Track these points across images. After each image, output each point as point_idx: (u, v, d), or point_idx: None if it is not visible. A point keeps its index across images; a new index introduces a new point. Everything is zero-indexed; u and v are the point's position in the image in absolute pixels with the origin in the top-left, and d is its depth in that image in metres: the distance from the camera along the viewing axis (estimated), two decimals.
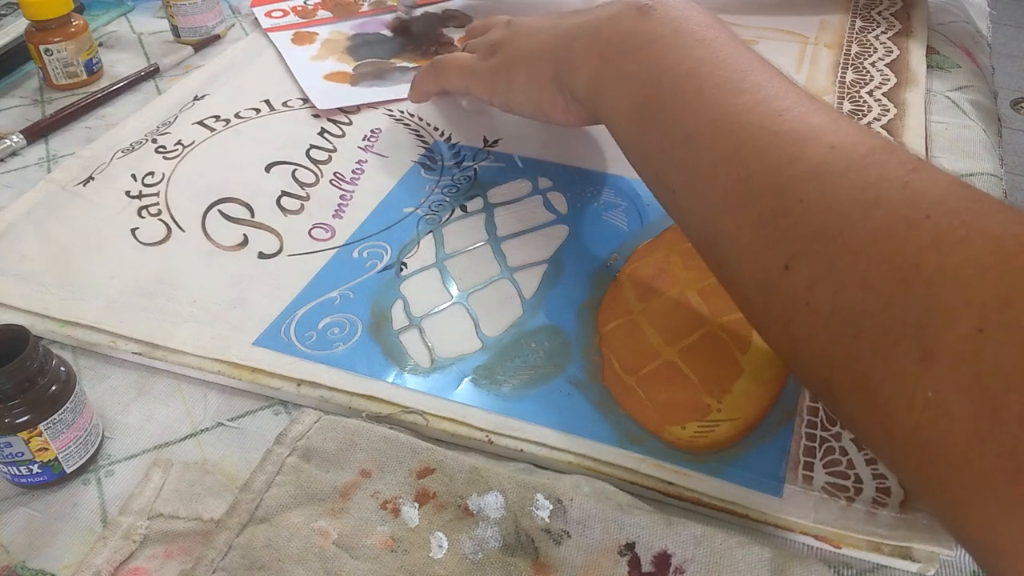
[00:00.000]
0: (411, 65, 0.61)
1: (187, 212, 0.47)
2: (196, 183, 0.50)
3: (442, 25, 0.67)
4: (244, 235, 0.46)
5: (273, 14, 0.68)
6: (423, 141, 0.53)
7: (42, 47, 0.58)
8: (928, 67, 0.59)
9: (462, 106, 0.56)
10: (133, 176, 0.50)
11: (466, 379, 0.37)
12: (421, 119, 0.55)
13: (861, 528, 0.31)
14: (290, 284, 0.42)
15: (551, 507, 0.31)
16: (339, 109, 0.56)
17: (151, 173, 0.50)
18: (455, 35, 0.65)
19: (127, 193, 0.49)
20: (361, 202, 0.48)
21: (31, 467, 0.33)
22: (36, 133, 0.55)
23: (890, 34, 0.62)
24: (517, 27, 0.47)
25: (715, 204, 0.32)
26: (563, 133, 0.52)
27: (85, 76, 0.60)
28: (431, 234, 0.45)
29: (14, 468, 0.33)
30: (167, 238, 0.46)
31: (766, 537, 0.31)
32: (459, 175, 0.50)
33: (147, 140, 0.53)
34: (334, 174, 0.50)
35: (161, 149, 0.52)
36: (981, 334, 0.22)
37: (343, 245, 0.45)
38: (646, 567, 0.30)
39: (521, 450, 0.34)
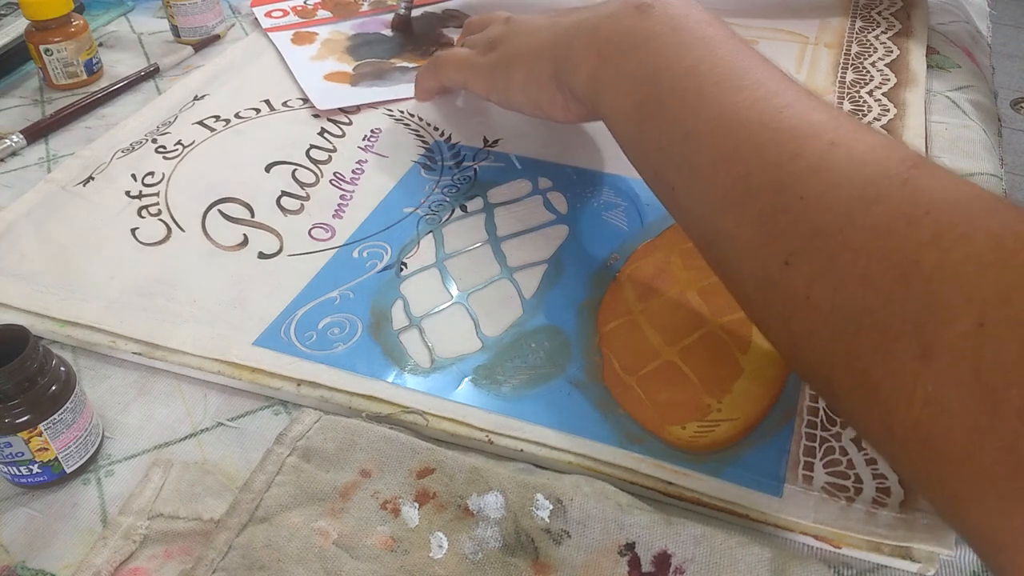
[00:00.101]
0: (411, 65, 0.61)
1: (187, 212, 0.47)
2: (196, 183, 0.50)
3: (442, 25, 0.67)
4: (244, 235, 0.46)
5: (273, 14, 0.68)
6: (423, 141, 0.53)
7: (42, 47, 0.58)
8: (928, 67, 0.59)
9: (460, 105, 0.56)
10: (133, 176, 0.50)
11: (466, 379, 0.37)
12: (421, 119, 0.55)
13: (861, 528, 0.31)
14: (290, 284, 0.42)
15: (551, 507, 0.31)
16: (339, 109, 0.56)
17: (151, 173, 0.50)
18: (455, 35, 0.65)
19: (127, 193, 0.49)
20: (361, 202, 0.48)
21: (31, 467, 0.33)
22: (36, 133, 0.55)
23: (890, 34, 0.62)
24: (516, 24, 0.47)
25: (715, 201, 0.32)
26: (563, 133, 0.52)
27: (85, 76, 0.60)
28: (431, 234, 0.45)
29: (14, 468, 0.33)
30: (167, 238, 0.46)
31: (766, 537, 0.31)
32: (459, 175, 0.50)
33: (147, 140, 0.53)
34: (334, 174, 0.50)
35: (161, 149, 0.52)
36: (981, 330, 0.22)
37: (343, 245, 0.45)
38: (646, 567, 0.30)
39: (521, 450, 0.34)
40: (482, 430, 0.35)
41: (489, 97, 0.49)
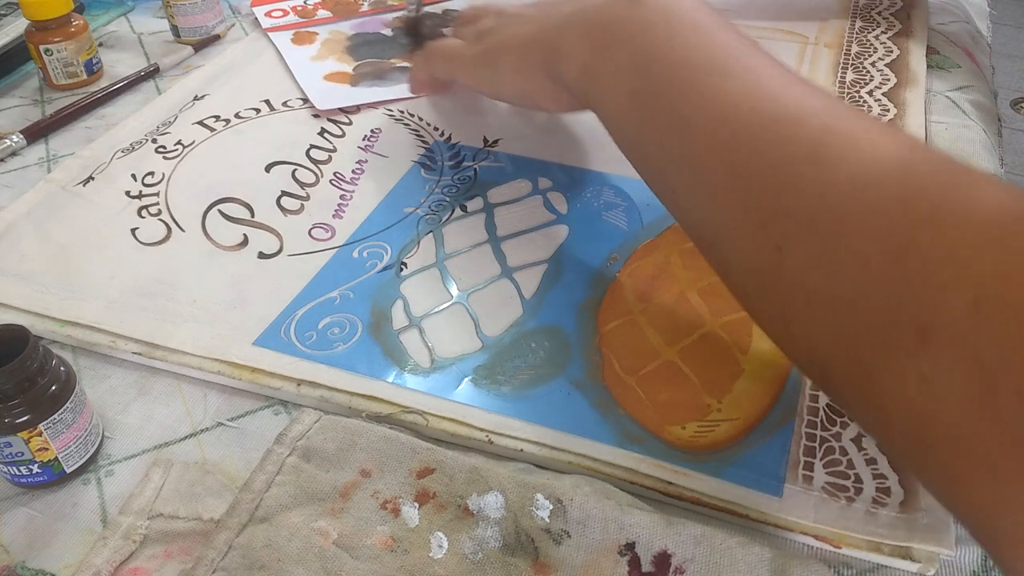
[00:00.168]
0: (411, 65, 0.61)
1: (187, 212, 0.47)
2: (196, 183, 0.50)
3: (443, 25, 0.67)
4: (244, 235, 0.46)
5: (273, 14, 0.68)
6: (423, 141, 0.53)
7: (42, 47, 0.58)
8: (928, 67, 0.59)
9: (459, 104, 0.56)
10: (133, 176, 0.50)
11: (466, 379, 0.37)
12: (421, 119, 0.55)
13: (861, 528, 0.31)
14: (290, 284, 0.42)
15: (551, 507, 0.31)
16: (339, 109, 0.56)
17: (151, 173, 0.50)
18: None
19: (127, 193, 0.49)
20: (361, 202, 0.48)
21: (31, 467, 0.33)
22: (36, 133, 0.55)
23: (890, 34, 0.62)
24: (506, 16, 0.47)
25: (707, 189, 0.32)
26: (564, 133, 0.52)
27: (85, 76, 0.60)
28: (431, 234, 0.45)
29: (14, 468, 0.33)
30: (167, 238, 0.46)
31: (766, 537, 0.31)
32: (459, 175, 0.50)
33: (147, 140, 0.53)
34: (334, 174, 0.50)
35: (161, 149, 0.52)
36: (978, 310, 0.22)
37: (343, 245, 0.45)
38: (646, 567, 0.30)
39: (521, 450, 0.34)
40: (482, 430, 0.35)
41: (479, 88, 0.49)
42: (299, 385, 0.37)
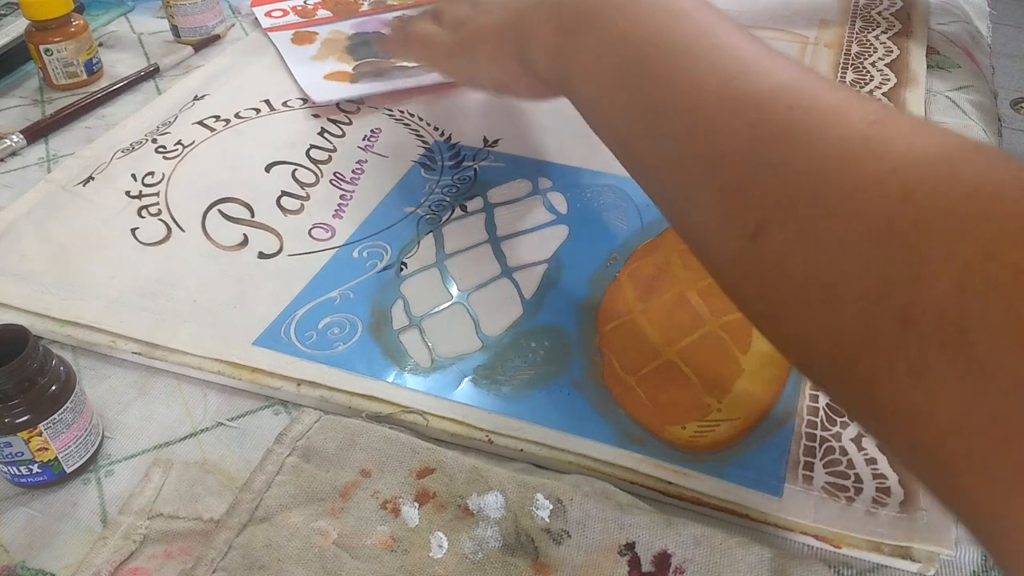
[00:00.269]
0: (411, 65, 0.61)
1: (187, 212, 0.47)
2: (196, 183, 0.50)
3: None
4: (244, 235, 0.46)
5: (273, 14, 0.68)
6: (423, 141, 0.53)
7: (42, 47, 0.58)
8: (928, 67, 0.59)
9: (460, 105, 0.56)
10: (133, 176, 0.50)
11: (466, 379, 0.37)
12: (421, 119, 0.55)
13: (861, 528, 0.31)
14: (290, 284, 0.42)
15: (551, 507, 0.31)
16: (339, 109, 0.56)
17: (151, 173, 0.50)
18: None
19: (127, 193, 0.49)
20: (361, 202, 0.48)
21: (31, 467, 0.33)
22: (36, 133, 0.55)
23: (890, 34, 0.62)
24: (483, 3, 0.46)
25: (681, 174, 0.31)
26: (563, 133, 0.52)
27: (85, 76, 0.60)
28: (431, 234, 0.45)
29: (14, 468, 0.33)
30: (167, 238, 0.46)
31: (766, 537, 0.31)
32: (459, 175, 0.50)
33: (147, 140, 0.53)
34: (334, 174, 0.50)
35: (161, 149, 0.52)
36: (963, 289, 0.21)
37: (343, 245, 0.45)
38: (646, 567, 0.30)
39: (521, 450, 0.34)
40: (482, 430, 0.35)
41: (456, 78, 0.48)
42: (299, 385, 0.37)
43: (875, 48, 0.61)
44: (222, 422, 0.36)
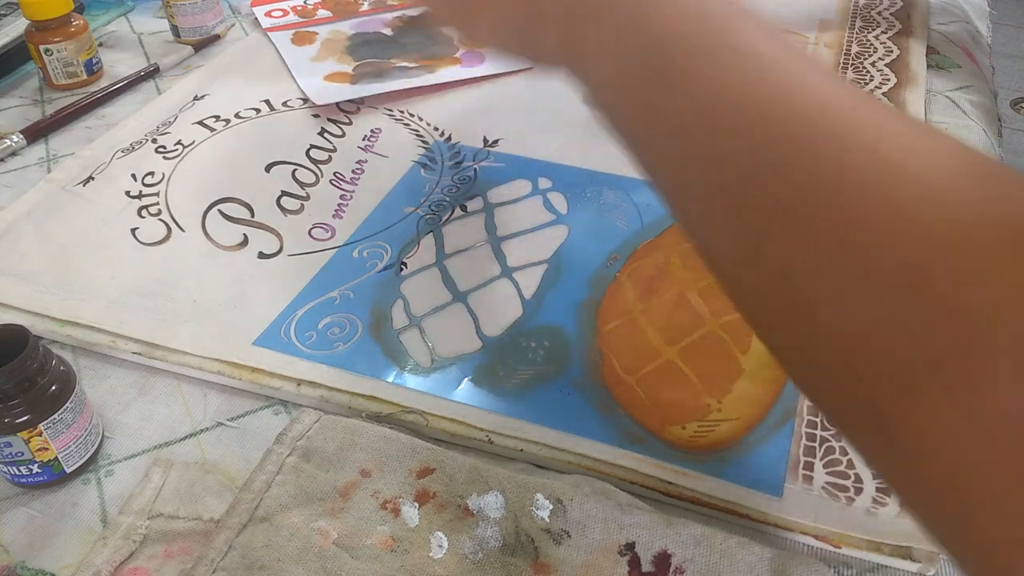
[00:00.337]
0: (411, 65, 0.61)
1: (187, 212, 0.47)
2: (196, 183, 0.50)
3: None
4: (244, 235, 0.46)
5: (273, 14, 0.68)
6: (423, 141, 0.53)
7: (42, 47, 0.58)
8: (928, 67, 0.59)
9: (461, 105, 0.56)
10: (133, 176, 0.50)
11: (466, 379, 0.37)
12: (421, 119, 0.55)
13: (861, 528, 0.31)
14: (290, 284, 0.42)
15: (551, 507, 0.31)
16: (339, 109, 0.56)
17: (151, 173, 0.50)
18: (455, 34, 0.65)
19: (127, 193, 0.49)
20: (361, 202, 0.48)
21: (31, 467, 0.32)
22: (36, 133, 0.55)
23: (890, 34, 0.62)
24: None
25: (684, 174, 0.31)
26: (563, 133, 0.52)
27: (85, 76, 0.60)
28: (431, 234, 0.45)
29: (14, 468, 0.33)
30: (167, 238, 0.46)
31: (766, 537, 0.31)
32: (459, 175, 0.50)
33: (147, 140, 0.53)
34: (334, 174, 0.50)
35: (161, 149, 0.52)
36: (994, 334, 0.19)
37: (343, 245, 0.45)
38: (646, 567, 0.30)
39: (521, 450, 0.34)
40: (482, 430, 0.35)
41: (452, 25, 0.44)
42: (299, 385, 0.37)
43: (875, 48, 0.61)
44: (222, 422, 0.36)
